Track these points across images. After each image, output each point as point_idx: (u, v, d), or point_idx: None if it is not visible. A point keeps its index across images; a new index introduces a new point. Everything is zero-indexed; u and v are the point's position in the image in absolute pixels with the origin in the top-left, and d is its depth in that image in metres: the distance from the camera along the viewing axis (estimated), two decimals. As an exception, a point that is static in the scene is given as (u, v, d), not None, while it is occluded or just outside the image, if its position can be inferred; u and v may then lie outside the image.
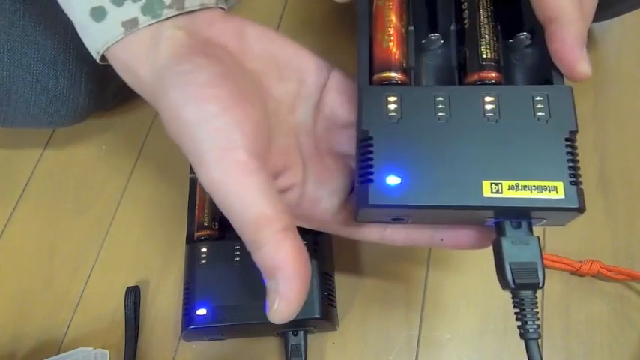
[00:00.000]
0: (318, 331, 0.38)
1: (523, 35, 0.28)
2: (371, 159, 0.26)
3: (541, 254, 0.25)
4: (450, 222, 0.28)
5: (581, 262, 0.39)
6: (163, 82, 0.23)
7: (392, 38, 0.28)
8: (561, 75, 0.26)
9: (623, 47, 0.52)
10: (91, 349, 0.37)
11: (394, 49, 0.28)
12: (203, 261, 0.37)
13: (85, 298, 0.41)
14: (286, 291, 0.22)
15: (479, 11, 0.29)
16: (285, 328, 0.36)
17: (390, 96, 0.27)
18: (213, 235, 0.39)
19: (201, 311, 0.35)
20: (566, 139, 0.25)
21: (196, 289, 0.36)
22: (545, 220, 0.26)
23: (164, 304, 0.40)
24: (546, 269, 0.26)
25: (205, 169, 0.22)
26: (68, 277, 0.42)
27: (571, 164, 0.25)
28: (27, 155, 0.47)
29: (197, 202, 0.40)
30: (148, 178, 0.46)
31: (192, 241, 0.39)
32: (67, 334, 0.40)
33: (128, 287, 0.39)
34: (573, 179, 0.25)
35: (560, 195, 0.24)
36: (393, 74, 0.28)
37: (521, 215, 0.26)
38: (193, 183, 0.42)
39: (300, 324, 0.36)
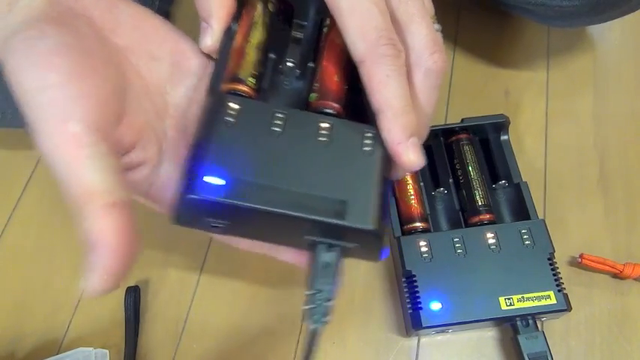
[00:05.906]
0: (354, 256, 0.27)
1: (502, 181, 0.41)
2: (417, 291, 0.35)
3: (548, 345, 0.35)
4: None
5: (623, 264, 0.39)
6: (8, 47, 0.22)
7: (413, 197, 0.40)
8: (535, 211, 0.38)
9: (623, 47, 0.52)
10: (91, 349, 0.37)
11: (416, 205, 0.39)
12: (230, 119, 0.26)
13: (85, 298, 0.41)
14: (100, 267, 0.21)
15: (468, 169, 0.40)
16: (317, 237, 0.25)
17: (421, 241, 0.37)
18: (247, 94, 0.28)
19: (211, 179, 0.24)
20: (548, 259, 0.36)
21: (210, 149, 0.25)
22: (545, 317, 0.37)
23: (164, 304, 0.40)
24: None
25: (40, 138, 0.21)
26: (68, 277, 0.42)
27: (555, 277, 0.36)
28: (27, 155, 0.47)
29: (232, 50, 0.28)
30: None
31: (217, 94, 0.27)
32: (67, 334, 0.40)
33: (128, 287, 0.39)
34: (559, 288, 0.35)
35: (553, 301, 0.35)
36: (418, 224, 0.38)
37: (528, 317, 0.35)
38: (230, 31, 0.29)
39: (340, 235, 0.25)
